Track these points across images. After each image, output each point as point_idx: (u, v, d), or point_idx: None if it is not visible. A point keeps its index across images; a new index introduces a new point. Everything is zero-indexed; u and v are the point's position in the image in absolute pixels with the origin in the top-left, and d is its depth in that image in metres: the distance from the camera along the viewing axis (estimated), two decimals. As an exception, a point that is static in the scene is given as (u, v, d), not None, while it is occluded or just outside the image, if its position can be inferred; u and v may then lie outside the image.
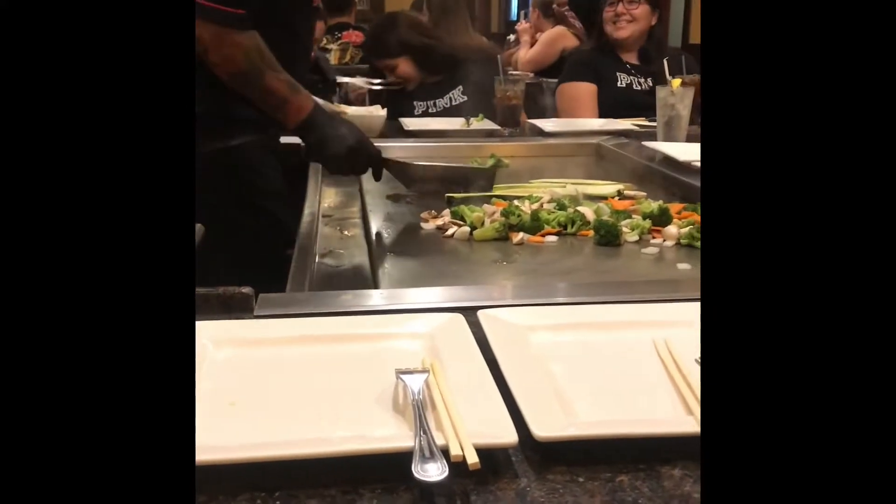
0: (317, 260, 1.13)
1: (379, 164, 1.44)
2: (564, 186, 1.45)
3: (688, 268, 1.07)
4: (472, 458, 0.50)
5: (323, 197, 1.51)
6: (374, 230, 1.26)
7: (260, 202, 1.55)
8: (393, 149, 1.94)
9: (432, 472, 0.48)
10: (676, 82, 1.82)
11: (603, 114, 2.34)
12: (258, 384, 0.63)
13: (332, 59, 3.39)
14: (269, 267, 1.40)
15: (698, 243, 1.14)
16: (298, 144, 1.81)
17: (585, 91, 2.39)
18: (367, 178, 1.67)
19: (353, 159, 1.40)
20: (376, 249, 1.15)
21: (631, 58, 2.44)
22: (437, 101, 2.37)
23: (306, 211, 1.36)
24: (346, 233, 1.31)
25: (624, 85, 2.40)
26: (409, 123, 2.12)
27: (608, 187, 1.48)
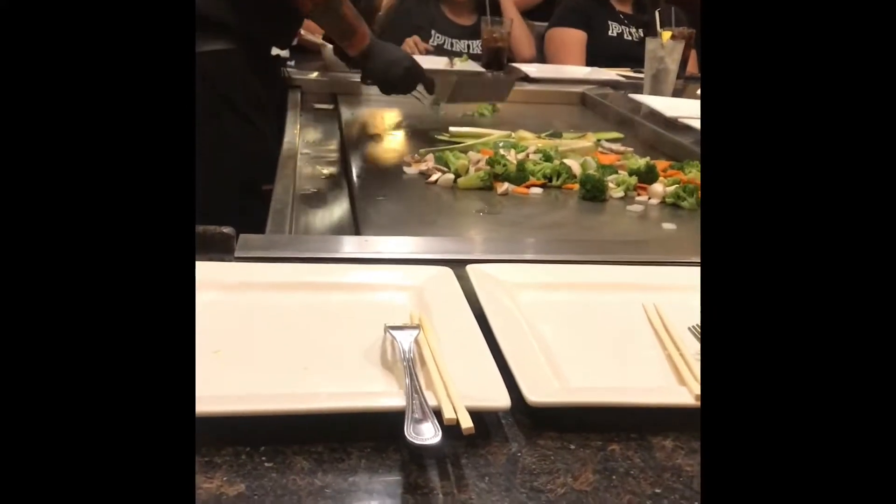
0: (296, 199, 1.10)
1: (429, 80, 1.59)
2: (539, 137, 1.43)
3: (673, 228, 1.06)
4: (466, 423, 0.49)
5: (302, 133, 1.47)
6: (354, 170, 1.23)
7: (227, 123, 1.48)
8: (371, 86, 1.89)
9: (425, 434, 0.47)
10: (666, 35, 1.79)
11: (591, 62, 2.30)
12: (243, 332, 0.61)
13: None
14: (244, 200, 1.37)
15: (683, 203, 1.13)
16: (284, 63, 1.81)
17: (575, 38, 2.34)
18: (346, 115, 1.63)
19: (410, 79, 1.54)
20: (357, 191, 1.12)
21: (624, 7, 2.39)
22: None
23: (286, 146, 1.32)
24: (325, 171, 1.27)
25: (615, 34, 2.36)
26: (392, 60, 2.06)
27: (585, 142, 1.45)
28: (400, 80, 1.53)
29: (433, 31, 2.39)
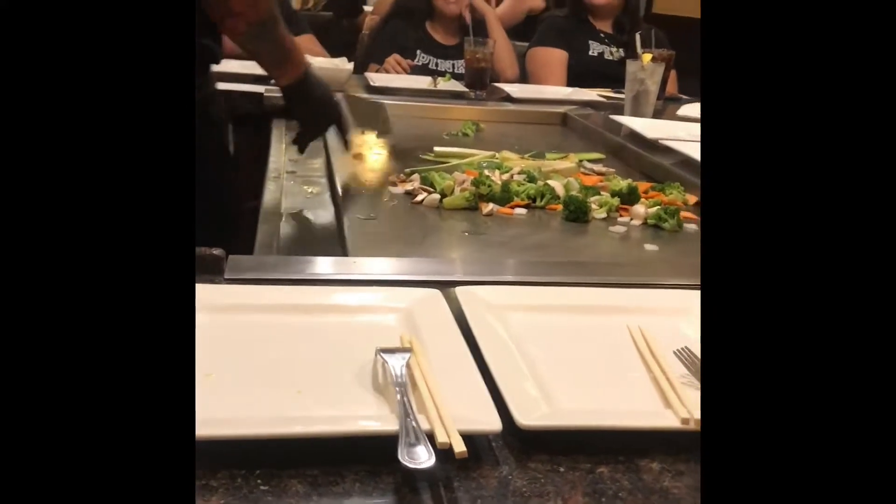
0: (283, 219, 1.10)
1: (347, 128, 1.42)
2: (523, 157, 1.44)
3: (655, 249, 1.08)
4: (459, 447, 0.49)
5: (287, 151, 1.48)
6: (340, 190, 1.24)
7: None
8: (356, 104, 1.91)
9: (419, 457, 0.48)
10: (647, 57, 1.82)
11: (571, 82, 2.33)
12: (234, 354, 0.62)
13: (294, 3, 3.29)
14: (230, 221, 1.38)
15: (665, 224, 1.15)
16: (252, 94, 1.75)
17: (556, 57, 2.37)
18: (330, 133, 1.64)
19: (340, 123, 1.38)
20: (344, 211, 1.13)
21: (605, 26, 2.42)
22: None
23: (271, 165, 1.33)
24: (310, 190, 1.28)
25: (595, 54, 2.39)
26: (374, 79, 2.08)
27: (567, 163, 1.47)
28: (328, 122, 1.37)
29: (418, 51, 2.41)
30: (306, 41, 2.27)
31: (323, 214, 1.16)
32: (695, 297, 0.78)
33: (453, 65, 2.37)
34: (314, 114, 1.35)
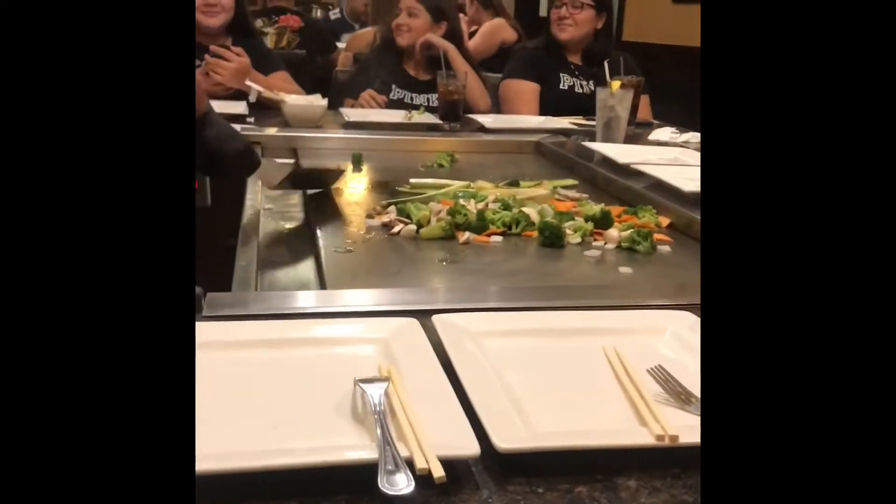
0: (260, 254, 1.11)
1: (256, 165, 1.35)
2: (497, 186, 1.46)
3: (629, 271, 1.10)
4: (438, 472, 0.50)
5: (263, 188, 1.49)
6: (317, 224, 1.24)
7: None
8: (331, 139, 1.93)
9: (399, 484, 0.48)
10: (616, 84, 1.85)
11: (543, 113, 2.36)
12: (212, 391, 0.62)
13: (269, 42, 3.32)
14: (207, 255, 1.38)
15: (639, 246, 1.17)
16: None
17: (528, 89, 2.41)
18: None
19: (245, 159, 1.31)
20: (322, 245, 1.14)
21: (576, 58, 2.47)
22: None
23: (248, 202, 1.34)
24: (288, 225, 1.29)
25: (566, 87, 2.43)
26: (350, 114, 2.10)
27: (541, 190, 1.49)
28: (234, 157, 1.28)
29: (393, 86, 2.44)
30: (280, 78, 2.29)
31: (300, 249, 1.17)
32: (669, 315, 0.79)
33: (428, 98, 2.41)
34: (220, 149, 1.26)
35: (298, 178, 1.43)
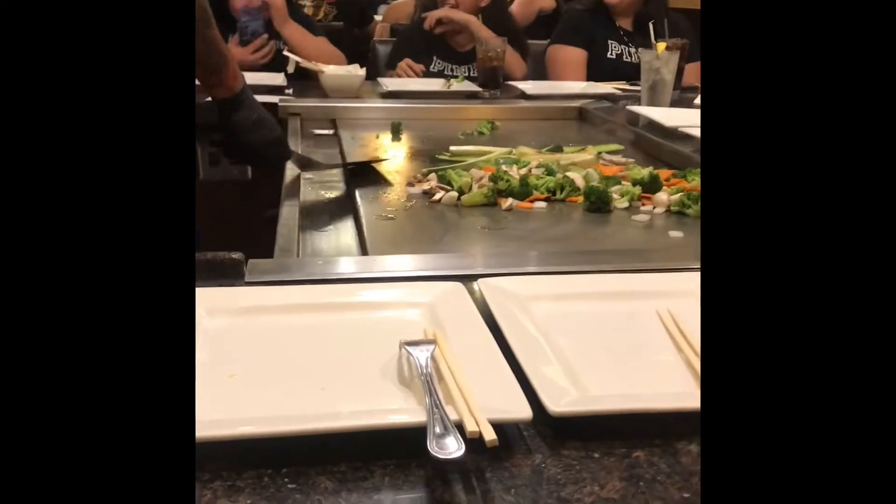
0: (302, 223, 1.10)
1: (290, 154, 1.32)
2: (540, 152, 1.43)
3: (680, 235, 1.06)
4: (490, 435, 0.48)
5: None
6: (358, 193, 1.23)
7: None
8: (370, 110, 1.90)
9: (449, 448, 0.47)
10: (661, 46, 1.79)
11: (589, 80, 2.31)
12: (257, 355, 0.61)
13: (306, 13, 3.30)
14: (249, 228, 1.37)
15: (688, 210, 1.13)
16: (267, 104, 1.70)
17: (575, 57, 2.35)
18: (347, 139, 1.63)
19: (277, 151, 1.27)
20: (363, 213, 1.12)
21: (626, 23, 2.39)
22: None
23: (288, 172, 1.32)
24: (328, 195, 1.27)
25: (614, 56, 2.37)
26: (388, 84, 2.08)
27: (586, 155, 1.45)
28: (261, 145, 1.24)
29: (434, 57, 2.41)
30: (321, 42, 2.30)
31: (341, 217, 1.16)
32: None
33: (469, 69, 2.37)
34: (254, 133, 1.22)
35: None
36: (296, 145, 1.56)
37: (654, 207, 1.15)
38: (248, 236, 1.26)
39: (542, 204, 1.17)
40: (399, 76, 2.33)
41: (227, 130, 1.22)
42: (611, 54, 2.37)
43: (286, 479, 0.48)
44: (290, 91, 1.95)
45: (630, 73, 2.27)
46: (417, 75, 2.32)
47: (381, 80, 2.14)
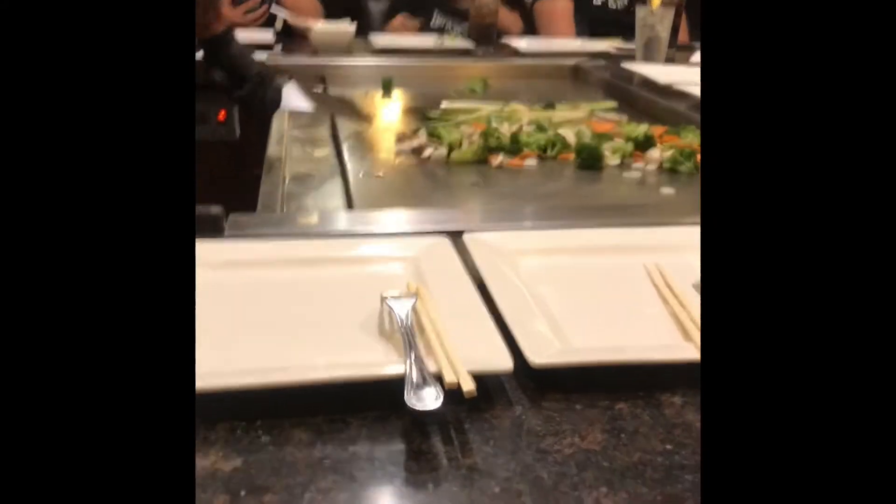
0: (287, 180, 1.08)
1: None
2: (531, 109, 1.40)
3: (671, 192, 1.04)
4: (468, 385, 0.47)
5: (290, 117, 1.45)
6: (346, 150, 1.21)
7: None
8: (361, 67, 1.87)
9: (427, 399, 0.46)
10: (656, 2, 1.76)
11: (578, 31, 2.27)
12: (234, 309, 0.60)
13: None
14: (235, 188, 1.35)
15: (681, 167, 1.11)
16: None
17: (562, 8, 2.31)
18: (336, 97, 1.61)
19: (262, 86, 1.30)
20: (350, 170, 1.11)
21: None
22: None
23: (274, 129, 1.30)
24: (316, 153, 1.25)
25: (599, 3, 2.33)
26: (379, 40, 2.04)
27: (579, 112, 1.43)
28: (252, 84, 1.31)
29: (435, 12, 2.36)
30: None
31: (328, 175, 1.14)
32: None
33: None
34: (239, 70, 1.27)
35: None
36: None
37: (646, 164, 1.14)
38: (236, 196, 1.24)
39: (533, 161, 1.15)
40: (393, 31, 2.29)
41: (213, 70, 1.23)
42: (596, 1, 2.33)
43: (260, 432, 0.47)
44: (279, 48, 1.92)
45: (619, 19, 2.23)
46: (412, 31, 2.28)
47: (372, 36, 2.10)
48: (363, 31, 2.14)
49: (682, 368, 0.53)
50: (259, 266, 0.66)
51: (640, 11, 1.76)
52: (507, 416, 0.49)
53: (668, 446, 0.46)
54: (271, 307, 0.60)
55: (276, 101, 1.34)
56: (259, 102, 1.33)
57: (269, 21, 2.06)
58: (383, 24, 2.40)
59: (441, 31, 2.32)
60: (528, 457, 0.45)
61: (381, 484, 0.43)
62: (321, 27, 1.91)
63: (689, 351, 0.53)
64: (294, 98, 1.30)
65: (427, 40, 2.08)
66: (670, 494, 0.42)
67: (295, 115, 1.48)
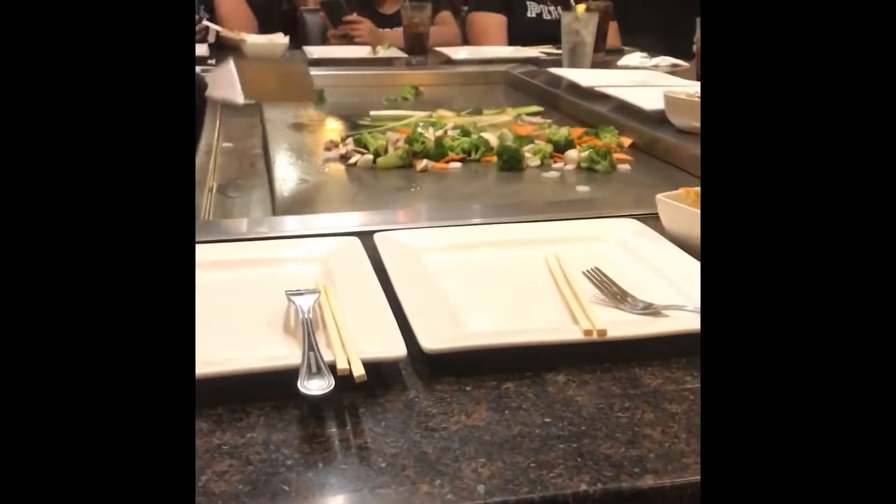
0: (214, 191, 1.10)
1: None
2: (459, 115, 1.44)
3: (587, 190, 1.09)
4: (358, 371, 0.50)
5: (221, 129, 1.46)
6: (274, 160, 1.23)
7: None
8: (297, 78, 1.89)
9: (317, 386, 0.48)
10: (581, 8, 1.82)
11: (512, 43, 2.33)
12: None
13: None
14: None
15: (598, 166, 1.16)
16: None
17: (495, 22, 2.37)
18: (267, 108, 1.62)
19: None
20: (277, 179, 1.13)
21: None
22: None
23: (202, 142, 1.32)
24: (246, 164, 1.27)
25: (534, 15, 2.39)
26: (313, 51, 2.06)
27: (504, 117, 1.47)
28: None
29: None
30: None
31: (256, 184, 1.16)
32: (614, 223, 0.79)
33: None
34: None
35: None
36: (215, 116, 1.55)
37: (564, 164, 1.18)
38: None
39: (458, 165, 1.19)
40: (348, 34, 2.29)
41: None
42: (530, 13, 2.39)
43: (162, 424, 0.49)
44: (213, 62, 1.92)
45: (553, 31, 2.29)
46: (363, 34, 2.30)
47: (305, 48, 2.12)
48: (299, 43, 2.16)
49: (567, 349, 0.56)
50: (172, 271, 0.68)
51: (566, 17, 1.82)
52: (400, 400, 0.52)
53: (547, 419, 0.50)
54: (181, 309, 0.62)
55: (202, 109, 1.37)
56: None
57: (203, 36, 2.07)
58: (326, 36, 2.42)
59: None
60: (416, 435, 0.48)
61: (274, 465, 0.45)
62: (254, 39, 1.93)
63: (574, 332, 0.57)
64: (223, 88, 1.32)
65: (361, 51, 2.11)
66: (543, 461, 0.46)
67: (226, 124, 1.50)
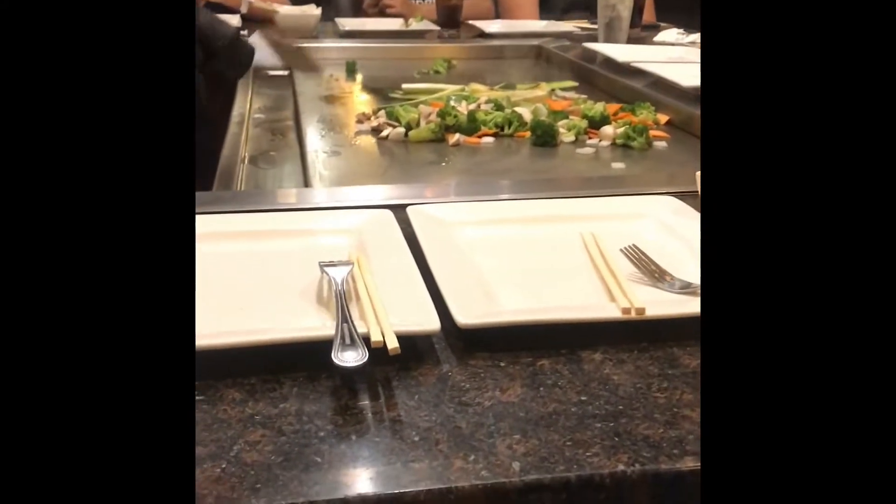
0: (246, 162, 1.10)
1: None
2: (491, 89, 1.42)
3: (622, 167, 1.07)
4: (392, 343, 0.49)
5: (254, 100, 1.46)
6: (306, 131, 1.22)
7: None
8: (328, 49, 1.88)
9: (351, 358, 0.48)
10: (618, -18, 1.78)
11: (543, 12, 2.29)
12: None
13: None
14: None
15: (633, 143, 1.14)
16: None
17: None
18: (300, 79, 1.62)
19: (236, 49, 1.39)
20: (309, 151, 1.12)
21: None
22: None
23: (235, 111, 1.31)
24: (278, 135, 1.27)
25: None
26: (345, 24, 2.05)
27: (538, 91, 1.45)
28: (225, 48, 1.42)
29: None
30: None
31: (287, 156, 1.15)
32: (652, 201, 0.77)
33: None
34: (210, 40, 1.36)
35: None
36: (247, 87, 1.54)
37: (599, 140, 1.16)
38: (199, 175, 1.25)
39: (490, 139, 1.17)
40: (382, 7, 2.28)
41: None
42: None
43: (196, 392, 0.49)
44: (245, 33, 1.92)
45: (586, 2, 2.26)
46: (384, 12, 2.28)
47: (338, 19, 2.11)
48: (330, 15, 2.14)
49: (605, 326, 0.55)
50: (206, 239, 0.68)
51: (602, -8, 1.78)
52: (433, 374, 0.51)
53: (584, 398, 0.49)
54: (215, 278, 0.62)
55: (246, 64, 1.39)
56: (234, 67, 1.36)
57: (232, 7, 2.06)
58: (354, 10, 2.40)
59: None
60: (449, 409, 0.47)
61: (306, 436, 0.45)
62: (286, 10, 1.92)
63: (611, 310, 0.56)
64: (264, 55, 1.35)
65: (393, 23, 2.09)
66: (579, 440, 0.45)
67: (259, 95, 1.50)
